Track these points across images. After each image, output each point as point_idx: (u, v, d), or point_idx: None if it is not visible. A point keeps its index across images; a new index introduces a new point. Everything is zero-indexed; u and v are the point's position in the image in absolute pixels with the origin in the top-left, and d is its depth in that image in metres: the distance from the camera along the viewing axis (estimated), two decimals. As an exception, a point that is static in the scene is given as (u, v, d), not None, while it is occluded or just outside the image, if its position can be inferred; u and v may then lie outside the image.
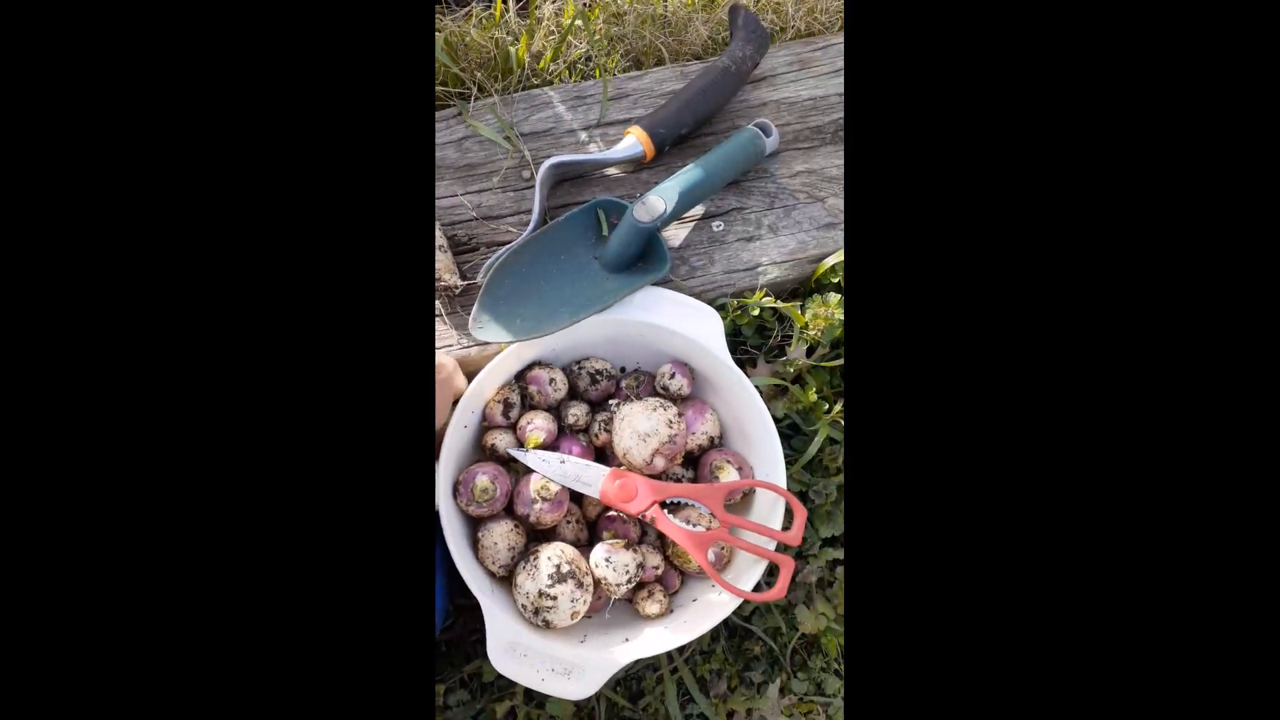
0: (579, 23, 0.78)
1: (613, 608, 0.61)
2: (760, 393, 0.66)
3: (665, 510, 0.59)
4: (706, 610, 0.58)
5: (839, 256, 0.67)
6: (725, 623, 0.64)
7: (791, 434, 0.68)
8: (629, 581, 0.58)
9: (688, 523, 0.59)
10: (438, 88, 0.76)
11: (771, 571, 0.65)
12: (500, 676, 0.61)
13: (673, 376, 0.64)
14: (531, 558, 0.57)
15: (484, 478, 0.59)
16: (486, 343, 0.64)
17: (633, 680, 0.63)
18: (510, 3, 0.82)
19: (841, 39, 0.79)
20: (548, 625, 0.56)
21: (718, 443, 0.64)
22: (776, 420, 0.67)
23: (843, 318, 0.65)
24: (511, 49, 0.78)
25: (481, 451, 0.63)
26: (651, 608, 0.59)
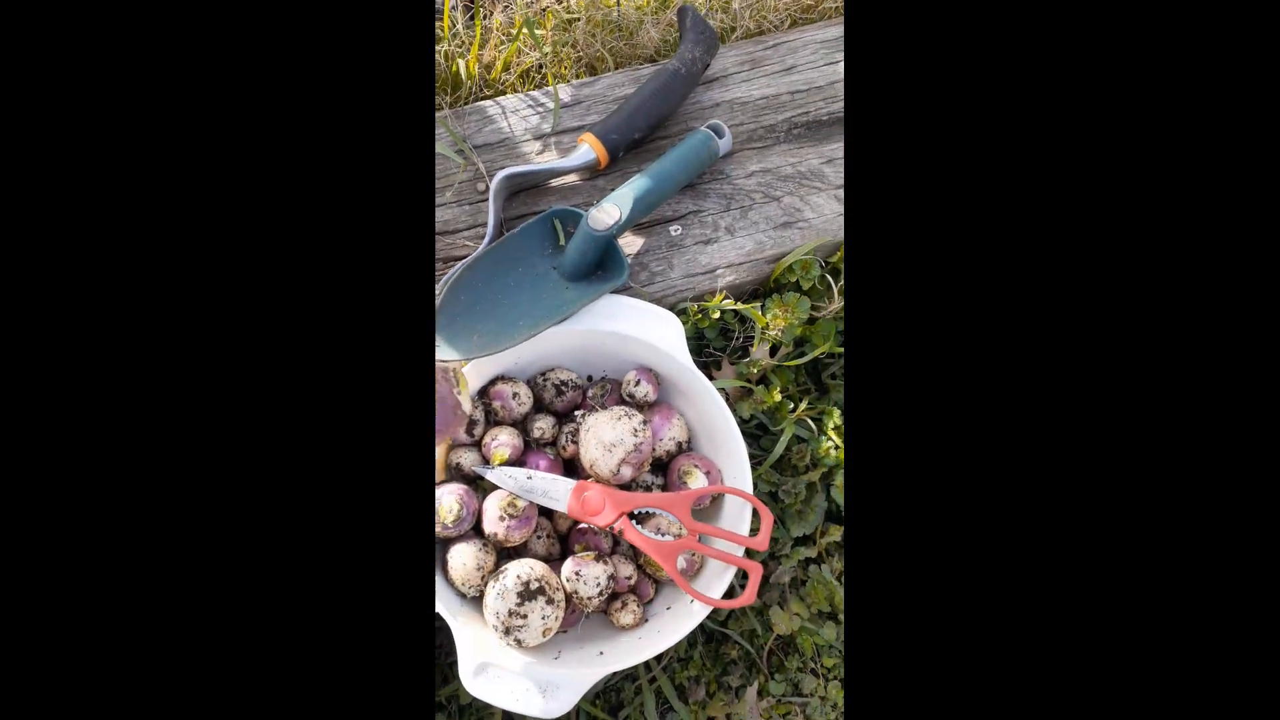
0: (528, 31, 0.76)
1: (586, 621, 0.60)
2: (726, 394, 0.65)
3: (633, 521, 0.57)
4: (681, 617, 0.57)
5: (797, 255, 0.66)
6: (702, 628, 0.63)
7: (760, 433, 0.67)
8: (601, 594, 0.57)
9: (657, 531, 0.58)
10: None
11: (744, 575, 0.63)
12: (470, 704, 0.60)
13: (638, 384, 0.62)
14: (500, 576, 0.56)
15: (450, 499, 0.57)
16: (444, 361, 0.62)
17: (612, 692, 0.62)
18: (458, 15, 0.80)
19: (792, 36, 0.78)
20: (519, 644, 0.55)
21: (686, 447, 0.63)
22: (744, 421, 0.66)
23: (803, 317, 0.63)
24: (461, 61, 0.76)
25: (447, 471, 0.61)
26: (626, 618, 0.58)
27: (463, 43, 0.78)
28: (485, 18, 0.82)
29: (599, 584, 0.56)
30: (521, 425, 0.63)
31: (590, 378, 0.66)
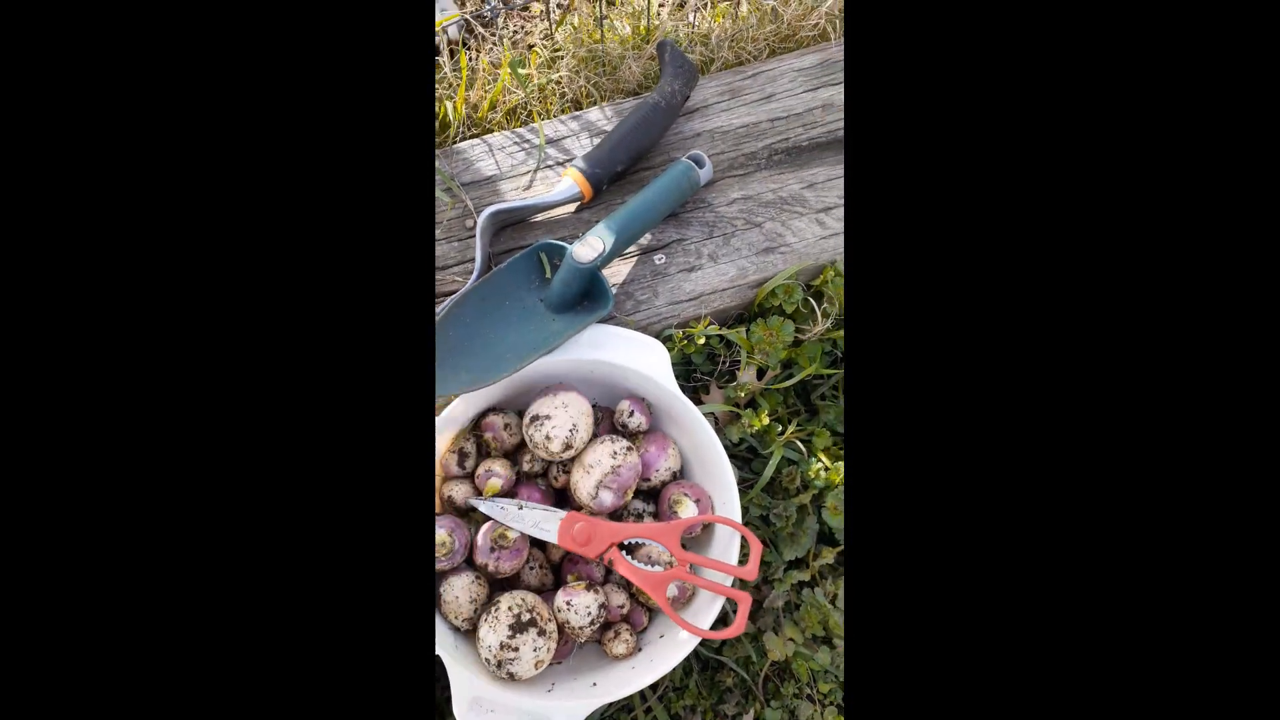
0: (511, 72, 0.77)
1: (579, 651, 0.59)
2: (715, 418, 0.65)
3: (624, 551, 0.57)
4: (674, 645, 0.56)
5: (779, 280, 0.66)
6: (697, 656, 0.61)
7: (750, 456, 0.66)
8: (592, 624, 0.56)
9: (647, 561, 0.57)
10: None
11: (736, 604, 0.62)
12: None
13: (631, 414, 0.62)
14: (492, 609, 0.55)
15: (441, 532, 0.57)
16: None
17: (609, 722, 0.60)
18: (445, 57, 0.81)
19: (770, 66, 0.79)
20: (512, 677, 0.54)
21: (679, 475, 0.62)
22: (733, 444, 0.65)
23: (788, 340, 0.63)
24: (449, 102, 0.77)
25: (439, 504, 0.61)
26: (619, 648, 0.57)
27: (450, 84, 0.80)
28: (471, 59, 0.83)
29: (590, 614, 0.56)
30: (513, 456, 0.63)
31: (593, 406, 0.66)
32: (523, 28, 0.95)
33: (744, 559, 0.59)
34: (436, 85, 0.79)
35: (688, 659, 0.61)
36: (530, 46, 0.84)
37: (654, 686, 0.61)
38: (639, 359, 0.61)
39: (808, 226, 0.70)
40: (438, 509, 0.61)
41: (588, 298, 0.65)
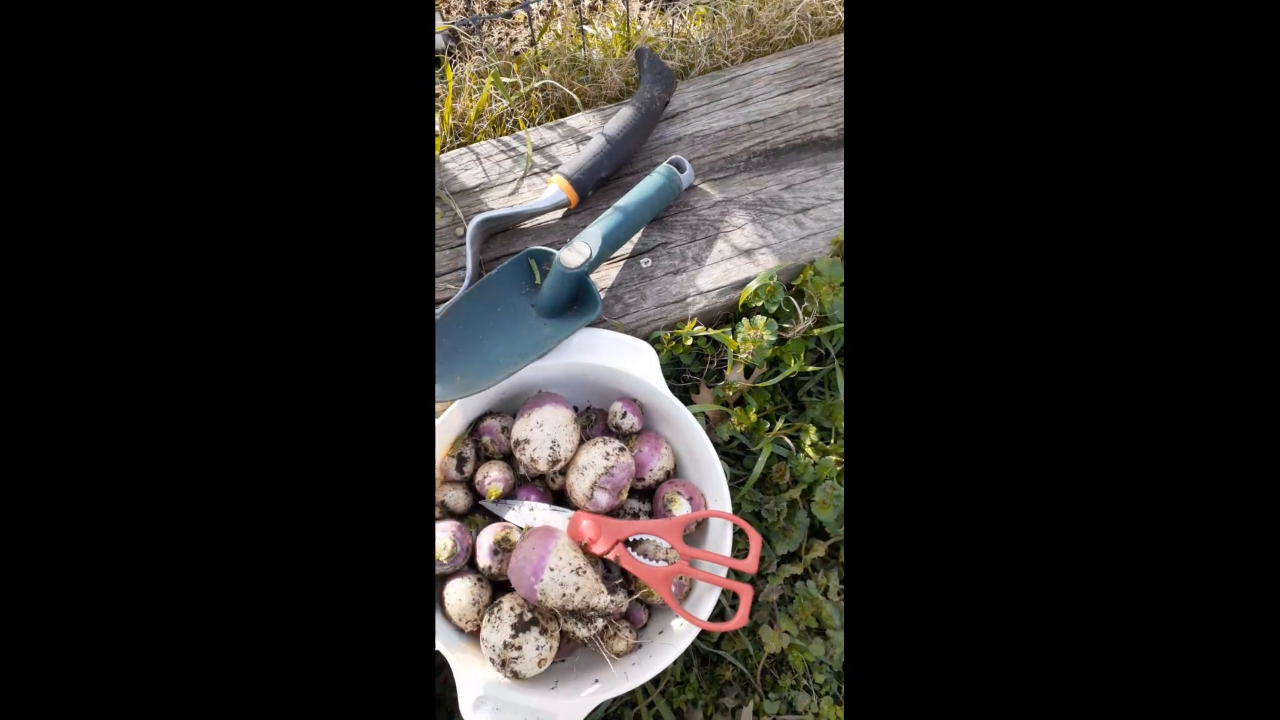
0: (493, 82, 0.75)
1: (582, 650, 0.57)
2: (705, 417, 0.63)
3: (628, 548, 0.55)
4: (672, 641, 0.55)
5: (761, 280, 0.64)
6: (696, 651, 0.60)
7: (740, 454, 0.64)
8: (592, 625, 0.54)
9: (646, 557, 0.56)
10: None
11: (734, 597, 0.61)
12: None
13: (624, 415, 0.60)
14: (495, 609, 0.53)
15: (445, 536, 0.55)
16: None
17: (612, 719, 0.59)
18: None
19: (746, 70, 0.77)
20: (516, 676, 0.52)
21: (672, 475, 0.61)
22: (724, 443, 0.64)
23: (771, 339, 0.61)
24: (436, 113, 0.74)
25: (438, 510, 0.59)
26: (619, 645, 0.56)
27: (437, 95, 0.77)
28: (457, 70, 0.80)
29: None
30: (510, 459, 0.61)
31: (576, 408, 0.64)
32: (507, 34, 0.93)
33: (738, 554, 0.58)
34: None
35: (687, 654, 0.60)
36: (515, 54, 0.81)
37: (655, 681, 0.60)
38: (629, 362, 0.60)
39: (787, 227, 0.69)
40: (437, 515, 0.59)
41: (577, 302, 0.63)
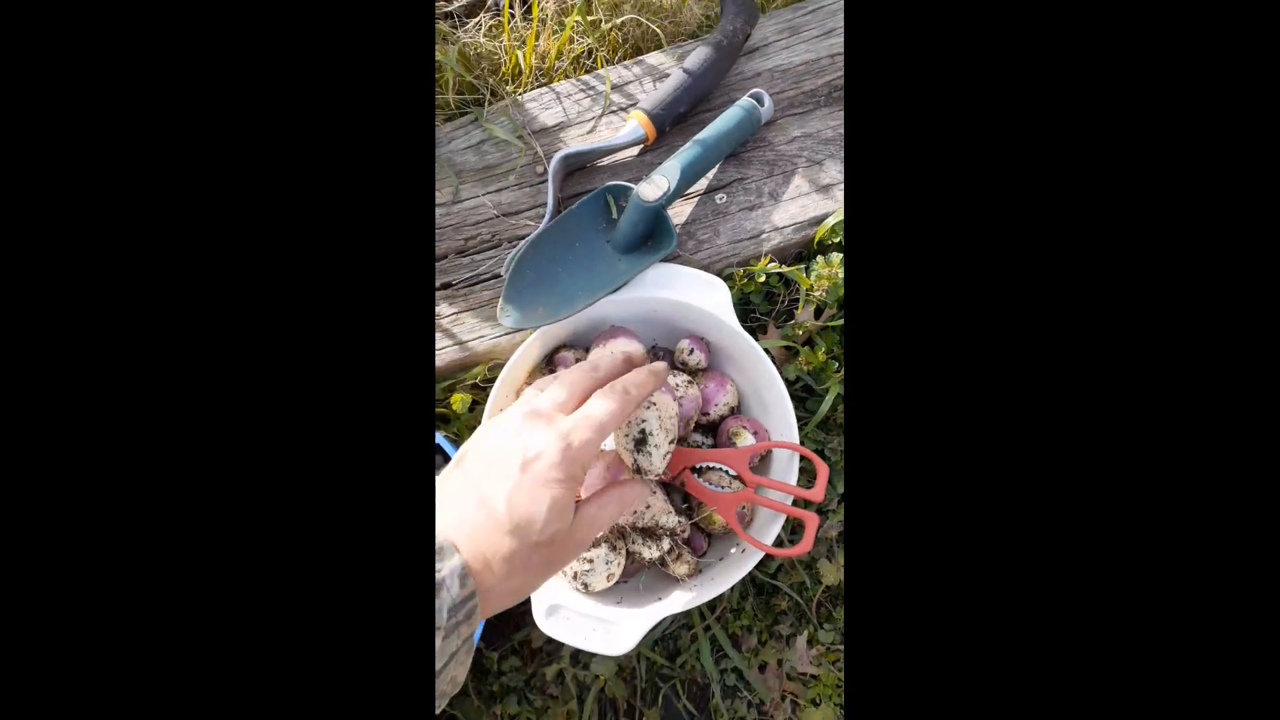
0: (579, 19, 0.74)
1: (645, 573, 0.59)
2: (772, 356, 0.63)
3: (695, 475, 0.56)
4: (732, 567, 0.56)
5: (838, 216, 0.62)
6: (753, 581, 0.61)
7: (805, 395, 0.64)
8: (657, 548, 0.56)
9: (712, 485, 0.57)
10: (455, 97, 0.74)
11: (794, 529, 0.62)
12: (549, 641, 0.61)
13: (691, 352, 0.61)
14: (567, 526, 0.56)
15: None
16: (513, 330, 0.62)
17: (669, 639, 0.61)
18: (516, 9, 0.78)
19: (829, 0, 0.73)
20: (586, 588, 0.55)
21: (736, 411, 0.61)
22: (790, 382, 0.63)
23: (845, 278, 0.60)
24: (519, 53, 0.74)
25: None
26: (680, 569, 0.57)
27: (520, 36, 0.77)
28: (541, 7, 0.80)
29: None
30: (583, 389, 0.63)
31: (653, 347, 0.65)
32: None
33: (807, 486, 0.58)
34: (508, 37, 0.76)
35: (744, 583, 0.61)
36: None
37: (712, 607, 0.62)
38: (703, 297, 0.60)
39: (869, 164, 0.66)
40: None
41: (652, 237, 0.63)
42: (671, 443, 0.54)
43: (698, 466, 0.57)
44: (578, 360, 0.61)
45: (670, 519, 0.55)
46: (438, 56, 0.73)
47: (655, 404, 0.54)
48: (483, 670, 0.61)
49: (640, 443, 0.53)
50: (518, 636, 0.61)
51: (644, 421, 0.53)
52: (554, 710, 0.59)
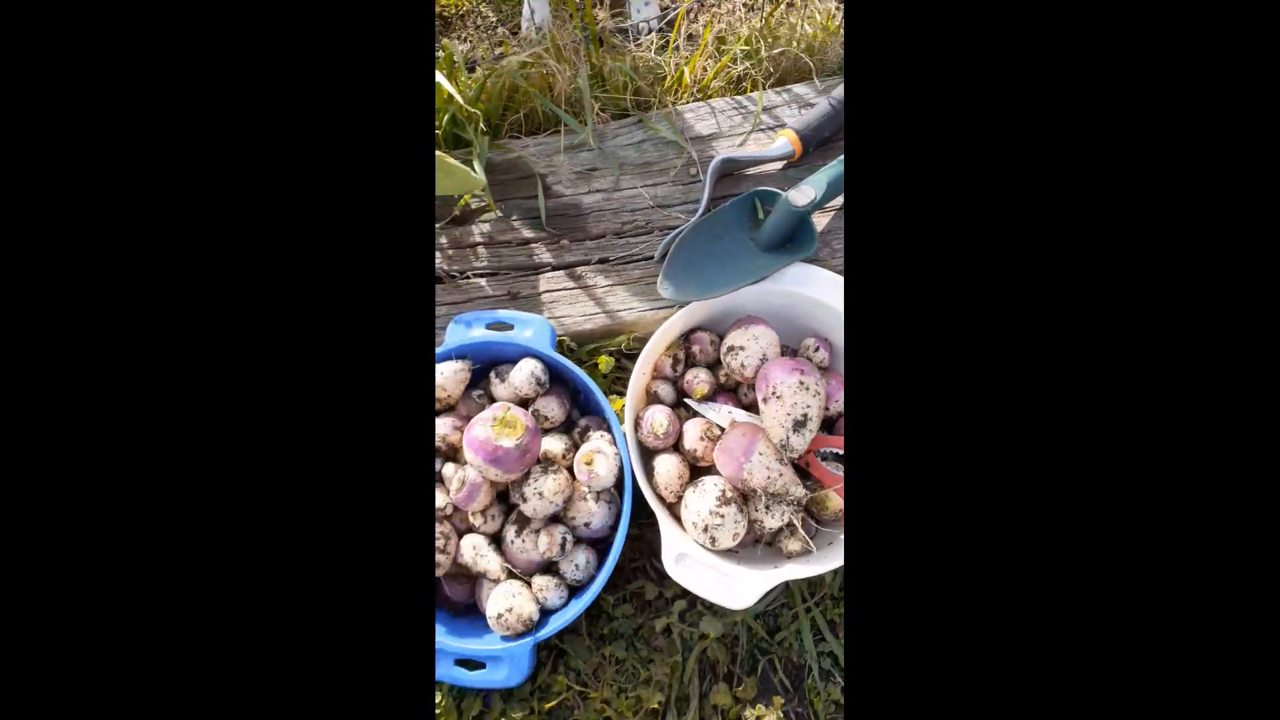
0: (744, 46, 0.82)
1: (763, 547, 0.63)
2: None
3: (819, 459, 0.60)
4: (837, 551, 0.59)
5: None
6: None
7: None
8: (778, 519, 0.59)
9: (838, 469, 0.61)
10: (627, 96, 0.81)
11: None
12: (659, 596, 0.64)
13: (816, 349, 0.65)
14: (698, 483, 0.60)
15: (662, 416, 0.62)
16: (671, 303, 0.68)
17: (770, 615, 0.64)
18: (681, 32, 0.86)
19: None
20: (713, 542, 0.58)
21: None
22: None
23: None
24: (686, 69, 0.82)
25: (647, 396, 0.66)
26: (794, 545, 0.61)
27: (684, 56, 0.85)
28: (699, 34, 0.88)
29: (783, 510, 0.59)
30: (713, 368, 0.67)
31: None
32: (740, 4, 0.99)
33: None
34: (673, 54, 0.84)
35: (842, 573, 0.64)
36: (752, 30, 0.88)
37: (813, 592, 0.64)
38: (836, 298, 0.64)
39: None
40: (646, 401, 0.66)
41: (793, 240, 0.69)
42: (814, 430, 0.58)
43: (820, 452, 0.61)
44: (711, 342, 0.66)
45: (799, 490, 0.59)
46: (616, 64, 0.80)
47: (820, 394, 0.59)
48: (598, 612, 0.64)
49: (800, 424, 0.57)
50: (631, 587, 0.65)
51: (809, 407, 0.58)
52: (659, 661, 0.62)
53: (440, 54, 0.79)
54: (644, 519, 0.66)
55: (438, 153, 0.68)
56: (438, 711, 0.60)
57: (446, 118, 0.77)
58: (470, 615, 0.64)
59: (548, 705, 0.61)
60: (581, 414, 0.67)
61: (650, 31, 0.92)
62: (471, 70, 0.85)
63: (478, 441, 0.58)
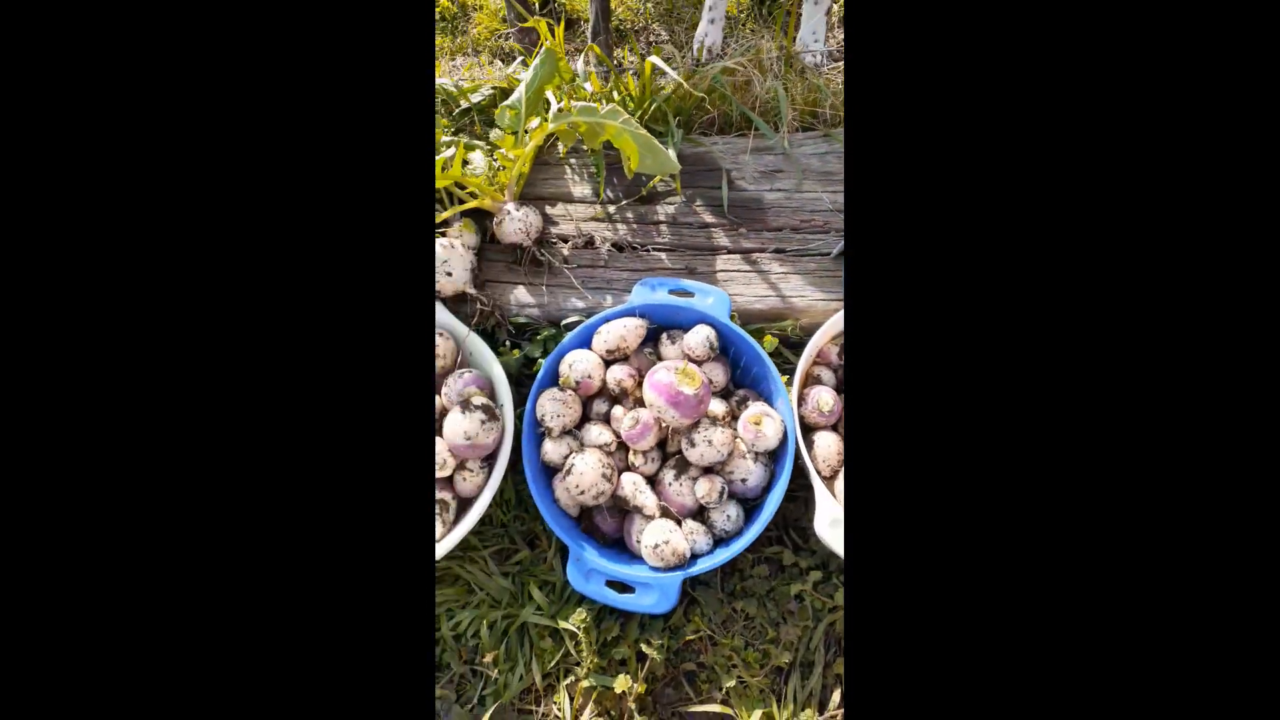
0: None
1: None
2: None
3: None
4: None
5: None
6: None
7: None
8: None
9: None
10: (826, 110, 0.87)
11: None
12: (794, 564, 0.66)
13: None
14: (856, 462, 0.63)
15: (828, 395, 0.66)
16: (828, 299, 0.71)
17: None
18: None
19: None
20: (866, 515, 0.61)
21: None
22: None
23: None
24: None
25: (804, 379, 0.70)
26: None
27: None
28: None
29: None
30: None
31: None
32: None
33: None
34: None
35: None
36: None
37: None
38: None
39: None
40: (807, 384, 0.69)
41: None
42: None
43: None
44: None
45: None
46: (813, 80, 0.87)
47: None
48: (731, 569, 0.67)
49: None
50: (769, 551, 0.67)
51: None
52: (788, 624, 0.64)
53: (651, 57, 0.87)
54: (791, 492, 0.69)
55: (642, 131, 0.75)
56: (580, 627, 0.63)
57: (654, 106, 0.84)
58: (616, 548, 0.67)
59: (683, 640, 0.64)
60: (737, 387, 0.71)
61: (819, 65, 0.98)
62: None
63: (662, 385, 0.62)
